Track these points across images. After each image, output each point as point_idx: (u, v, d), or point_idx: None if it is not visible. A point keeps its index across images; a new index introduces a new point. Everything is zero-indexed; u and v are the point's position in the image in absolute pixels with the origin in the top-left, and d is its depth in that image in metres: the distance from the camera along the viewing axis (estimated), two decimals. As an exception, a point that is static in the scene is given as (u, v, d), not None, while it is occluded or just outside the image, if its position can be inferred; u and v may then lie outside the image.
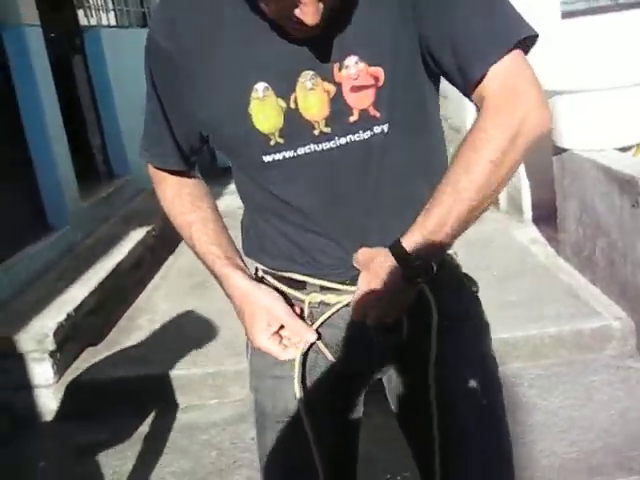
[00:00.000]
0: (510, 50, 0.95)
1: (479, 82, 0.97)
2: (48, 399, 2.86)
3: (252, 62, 1.02)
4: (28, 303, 3.16)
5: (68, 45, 4.99)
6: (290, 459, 1.22)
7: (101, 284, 3.39)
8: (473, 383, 1.19)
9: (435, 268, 1.01)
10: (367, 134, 1.03)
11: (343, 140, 1.03)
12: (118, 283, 3.59)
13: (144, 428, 2.72)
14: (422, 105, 1.08)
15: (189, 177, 1.25)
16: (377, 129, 1.03)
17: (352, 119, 1.02)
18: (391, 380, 1.24)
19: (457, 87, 1.02)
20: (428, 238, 0.99)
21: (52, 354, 2.87)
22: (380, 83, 1.00)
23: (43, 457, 2.63)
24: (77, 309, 3.11)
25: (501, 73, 0.95)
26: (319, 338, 1.14)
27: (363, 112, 1.02)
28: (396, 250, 1.01)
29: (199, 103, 1.08)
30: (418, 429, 1.22)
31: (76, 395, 2.85)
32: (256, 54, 1.02)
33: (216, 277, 1.18)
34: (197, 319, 3.23)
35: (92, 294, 3.27)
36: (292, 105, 1.02)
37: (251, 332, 1.14)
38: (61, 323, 2.95)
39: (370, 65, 0.99)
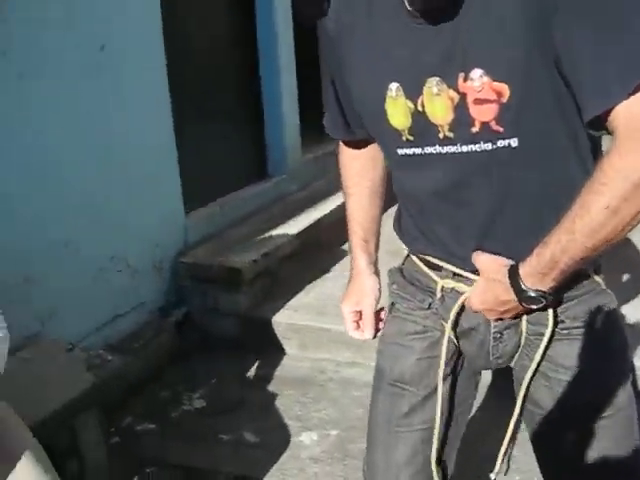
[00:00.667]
0: None
1: (606, 118, 0.93)
2: (230, 326, 3.17)
3: (388, 61, 1.08)
4: (233, 239, 3.49)
5: None
6: (393, 422, 1.31)
7: (301, 233, 3.63)
8: (578, 391, 1.17)
9: (549, 298, 1.05)
10: (489, 146, 1.04)
11: (465, 148, 1.06)
12: (317, 236, 3.81)
13: (304, 372, 2.92)
14: (562, 127, 1.03)
15: (365, 147, 1.35)
16: (502, 143, 1.03)
17: (474, 130, 1.03)
18: (514, 375, 1.27)
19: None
20: (541, 273, 1.02)
21: (241, 287, 3.17)
22: (504, 99, 0.99)
23: (215, 376, 2.95)
24: (273, 252, 3.37)
25: (630, 110, 0.90)
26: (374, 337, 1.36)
27: (485, 125, 1.02)
28: (512, 276, 1.05)
29: (349, 85, 1.18)
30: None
31: (253, 328, 3.13)
32: (392, 54, 1.07)
33: (349, 249, 1.40)
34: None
35: (290, 241, 3.52)
36: (419, 108, 1.06)
37: (343, 298, 1.39)
38: (255, 261, 3.23)
39: (494, 80, 0.99)
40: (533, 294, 1.04)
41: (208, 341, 3.19)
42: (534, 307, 1.06)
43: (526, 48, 0.96)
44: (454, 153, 1.07)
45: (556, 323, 1.15)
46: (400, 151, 1.13)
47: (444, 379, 1.27)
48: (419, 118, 1.07)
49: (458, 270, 1.18)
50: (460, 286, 1.18)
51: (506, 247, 1.10)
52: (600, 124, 0.96)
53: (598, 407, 1.17)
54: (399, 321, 1.31)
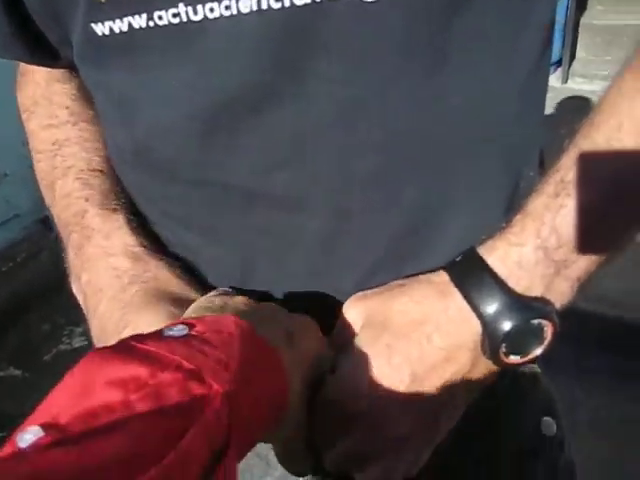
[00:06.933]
0: None
1: None
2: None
3: None
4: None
5: None
6: None
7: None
8: None
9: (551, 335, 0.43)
10: None
11: (252, 4, 0.42)
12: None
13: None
14: None
15: (67, 78, 0.63)
16: None
17: None
18: None
19: None
20: (542, 248, 0.42)
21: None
22: None
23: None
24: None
25: None
26: None
27: None
28: (463, 275, 0.44)
29: None
30: None
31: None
32: None
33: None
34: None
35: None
36: None
37: None
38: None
39: None
40: (535, 318, 0.42)
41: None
42: (512, 362, 0.44)
43: None
44: (223, 17, 0.43)
45: None
46: (97, 28, 0.47)
47: None
48: None
49: None
50: None
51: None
52: None
53: None
54: None
